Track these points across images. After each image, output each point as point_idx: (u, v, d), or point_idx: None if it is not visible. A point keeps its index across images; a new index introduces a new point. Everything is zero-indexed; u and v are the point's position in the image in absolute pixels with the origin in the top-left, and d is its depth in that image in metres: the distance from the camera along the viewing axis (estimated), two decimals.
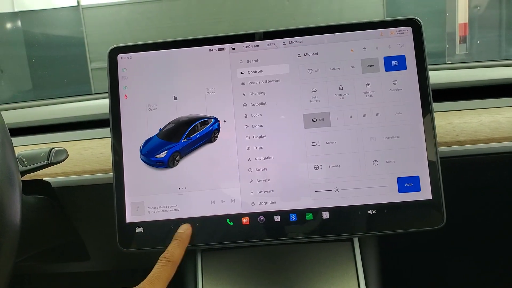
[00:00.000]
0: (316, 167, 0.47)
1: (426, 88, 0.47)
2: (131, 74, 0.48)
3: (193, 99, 0.48)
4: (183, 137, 0.47)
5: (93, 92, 0.78)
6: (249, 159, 0.47)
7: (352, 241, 0.56)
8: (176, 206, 0.47)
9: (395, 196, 0.46)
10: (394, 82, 0.48)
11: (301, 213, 0.46)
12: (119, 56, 0.48)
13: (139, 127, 0.48)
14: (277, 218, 0.46)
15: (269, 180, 0.47)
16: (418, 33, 0.48)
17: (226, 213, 0.46)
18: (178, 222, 0.46)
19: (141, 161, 0.47)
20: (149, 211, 0.47)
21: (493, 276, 0.77)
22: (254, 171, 0.47)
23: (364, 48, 0.48)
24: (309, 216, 0.46)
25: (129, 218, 0.47)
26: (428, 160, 0.46)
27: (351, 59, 0.48)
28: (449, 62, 0.87)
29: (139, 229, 0.46)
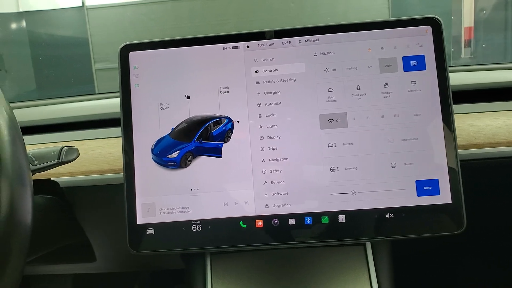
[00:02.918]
0: (333, 169, 0.45)
1: (446, 89, 0.46)
2: (142, 72, 0.47)
3: (206, 98, 0.47)
4: (196, 137, 0.46)
5: (98, 92, 0.77)
6: (263, 160, 0.46)
7: (364, 244, 0.55)
8: (188, 207, 0.45)
9: (413, 200, 0.45)
10: (413, 82, 0.46)
11: (316, 216, 0.45)
12: (131, 53, 0.47)
13: (150, 126, 0.46)
14: (291, 221, 0.45)
15: (283, 182, 0.45)
16: (438, 33, 0.47)
17: (239, 216, 0.45)
18: (190, 224, 0.45)
19: (153, 161, 0.46)
20: (160, 213, 0.45)
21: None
22: (268, 172, 0.46)
23: (382, 47, 0.47)
24: (325, 220, 0.45)
25: (140, 220, 0.45)
26: (448, 163, 0.45)
27: (369, 59, 0.47)
28: (466, 64, 0.85)
29: (150, 231, 0.45)
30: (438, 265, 0.73)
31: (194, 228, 0.45)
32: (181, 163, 0.46)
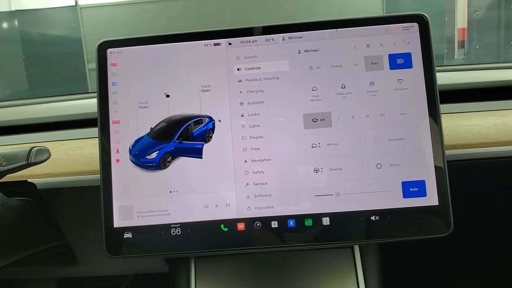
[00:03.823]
0: (316, 170, 0.44)
1: (433, 88, 0.45)
2: (121, 70, 0.46)
3: (186, 96, 0.45)
4: (175, 137, 0.45)
5: (88, 92, 0.75)
6: (245, 161, 0.44)
7: (352, 247, 0.54)
8: (167, 210, 0.44)
9: (399, 202, 0.44)
10: (399, 81, 0.45)
11: (300, 218, 0.43)
12: (109, 50, 0.46)
13: (128, 126, 0.45)
14: (274, 224, 0.43)
15: (266, 183, 0.44)
16: (425, 30, 0.46)
17: (220, 218, 0.44)
18: (169, 228, 0.43)
19: (131, 162, 0.44)
20: (138, 216, 0.44)
21: (500, 285, 0.74)
22: (250, 173, 0.44)
23: (368, 45, 0.46)
24: (309, 222, 0.43)
25: (116, 223, 0.44)
26: (435, 164, 0.44)
27: (354, 56, 0.46)
28: (454, 65, 0.84)
29: (127, 235, 0.44)
30: (426, 267, 0.72)
31: (173, 232, 0.43)
32: (160, 164, 0.44)
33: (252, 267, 0.53)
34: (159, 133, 0.45)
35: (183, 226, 0.43)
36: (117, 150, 0.44)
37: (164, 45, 0.46)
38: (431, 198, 0.43)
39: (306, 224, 0.43)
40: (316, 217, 0.43)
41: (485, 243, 0.67)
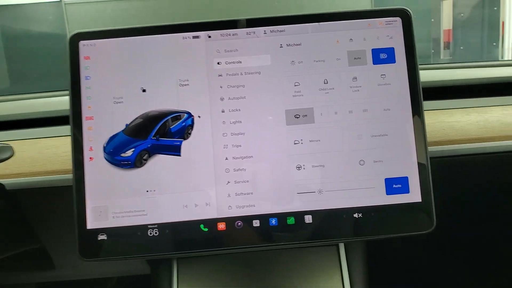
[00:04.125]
0: (299, 167, 0.43)
1: (416, 84, 0.44)
2: (94, 63, 0.43)
3: (164, 91, 0.43)
4: (152, 134, 0.43)
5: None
6: (226, 159, 0.43)
7: (337, 244, 0.53)
8: (144, 210, 0.42)
9: (382, 199, 0.43)
10: (382, 76, 0.44)
11: (282, 217, 0.42)
12: (81, 43, 0.44)
13: (102, 122, 0.43)
14: (256, 223, 0.42)
15: (247, 181, 0.42)
16: (408, 25, 0.45)
17: (200, 218, 0.42)
18: (145, 229, 0.42)
19: (105, 160, 0.42)
20: (114, 216, 0.42)
21: (484, 280, 0.74)
22: (231, 171, 0.43)
23: (351, 39, 0.45)
24: (291, 221, 0.42)
25: (90, 224, 0.42)
26: (418, 160, 0.43)
27: (337, 51, 0.45)
28: (436, 63, 0.85)
29: (102, 236, 0.42)
30: (410, 263, 0.71)
31: (151, 233, 0.42)
32: (136, 162, 0.42)
33: (236, 267, 0.52)
34: (135, 129, 0.43)
35: (161, 226, 0.42)
36: (91, 148, 0.42)
37: (140, 38, 0.44)
38: (414, 195, 0.43)
39: (288, 223, 0.42)
40: (299, 215, 0.42)
41: (467, 238, 0.67)
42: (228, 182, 0.43)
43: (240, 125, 0.43)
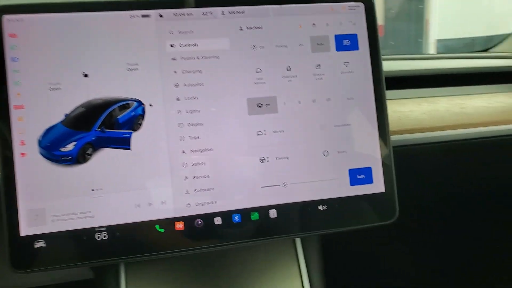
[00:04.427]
0: (262, 160, 0.40)
1: (378, 71, 0.43)
2: (23, 42, 0.37)
3: (109, 76, 0.38)
4: (97, 125, 0.38)
5: None
6: (183, 152, 0.39)
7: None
8: (90, 212, 0.37)
9: (346, 190, 0.42)
10: (345, 63, 0.43)
11: (245, 213, 0.40)
12: (5, 17, 0.37)
13: (36, 112, 0.37)
14: (218, 221, 0.39)
15: (208, 176, 0.39)
16: (371, 11, 0.44)
17: (155, 218, 0.38)
18: (92, 232, 0.37)
19: (41, 155, 0.36)
20: (53, 220, 0.36)
21: (439, 268, 0.78)
22: (189, 166, 0.39)
23: (313, 23, 0.43)
24: (255, 216, 0.40)
25: (24, 230, 0.36)
26: (381, 150, 0.43)
27: (300, 36, 0.42)
28: (388, 54, 0.87)
29: (39, 244, 0.36)
30: (368, 254, 0.73)
31: (99, 237, 0.37)
32: (79, 157, 0.37)
33: (190, 267, 0.48)
34: (77, 120, 0.37)
35: (110, 229, 0.37)
36: (22, 142, 0.36)
37: (80, 14, 0.38)
38: (378, 185, 0.43)
39: (252, 218, 0.40)
40: (263, 210, 0.40)
41: (421, 227, 0.70)
42: (186, 177, 0.39)
43: (198, 115, 0.40)
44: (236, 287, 0.49)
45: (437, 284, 0.78)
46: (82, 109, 0.37)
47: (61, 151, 0.36)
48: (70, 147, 0.37)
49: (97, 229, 0.37)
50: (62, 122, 0.37)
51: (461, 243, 0.75)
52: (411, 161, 0.56)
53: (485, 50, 1.12)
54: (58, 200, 0.36)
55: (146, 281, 0.47)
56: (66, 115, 0.37)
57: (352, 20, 0.43)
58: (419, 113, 0.58)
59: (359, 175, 0.42)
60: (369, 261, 0.73)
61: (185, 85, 0.40)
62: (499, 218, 0.71)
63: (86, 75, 0.38)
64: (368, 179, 0.42)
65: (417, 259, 0.76)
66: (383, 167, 0.42)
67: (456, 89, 0.68)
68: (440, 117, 0.58)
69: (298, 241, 0.52)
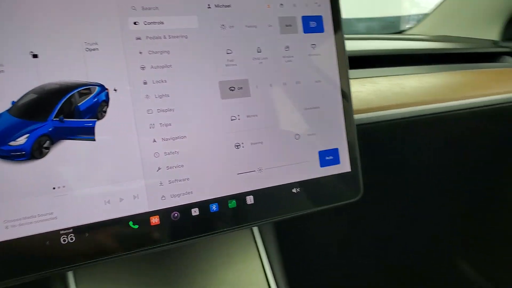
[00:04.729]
0: (237, 146, 0.39)
1: (343, 54, 0.44)
2: None
3: (64, 57, 0.33)
4: (54, 114, 0.33)
5: None
6: (154, 141, 0.36)
7: None
8: (53, 213, 0.32)
9: (317, 171, 0.43)
10: (312, 45, 0.43)
11: (223, 201, 0.38)
12: None
13: None
14: (195, 212, 0.37)
15: (182, 165, 0.37)
16: None
17: (128, 214, 0.35)
18: (57, 235, 0.32)
19: None
20: (7, 226, 0.31)
21: (407, 247, 0.83)
22: (162, 155, 0.36)
23: (281, 4, 0.42)
24: (232, 204, 0.39)
25: None
26: (346, 131, 0.44)
27: (268, 16, 0.41)
28: None
29: None
30: (327, 236, 0.76)
31: (65, 240, 0.33)
32: (34, 152, 0.32)
33: (147, 263, 0.46)
34: (28, 109, 0.32)
35: (78, 230, 0.33)
36: None
37: None
38: (344, 165, 0.44)
39: (230, 206, 0.39)
40: (240, 197, 0.39)
41: (379, 208, 0.74)
42: (159, 168, 0.36)
43: (168, 99, 0.37)
44: (198, 283, 0.48)
45: (401, 264, 0.83)
46: (33, 96, 0.32)
47: (10, 145, 0.31)
48: (22, 140, 0.31)
49: (62, 232, 0.33)
50: (8, 110, 0.31)
51: (416, 218, 0.80)
52: (368, 140, 0.59)
53: (400, 32, 1.22)
54: (12, 202, 0.31)
55: (98, 279, 0.44)
56: (13, 103, 0.31)
57: (317, 2, 0.43)
58: (366, 94, 0.61)
59: (328, 157, 0.44)
60: (329, 245, 0.76)
61: (152, 67, 0.36)
62: (443, 189, 0.79)
63: (35, 56, 0.32)
64: (336, 160, 0.44)
65: (382, 237, 0.79)
66: (348, 147, 0.44)
67: (392, 70, 0.73)
68: (383, 97, 0.62)
69: (256, 232, 0.52)
